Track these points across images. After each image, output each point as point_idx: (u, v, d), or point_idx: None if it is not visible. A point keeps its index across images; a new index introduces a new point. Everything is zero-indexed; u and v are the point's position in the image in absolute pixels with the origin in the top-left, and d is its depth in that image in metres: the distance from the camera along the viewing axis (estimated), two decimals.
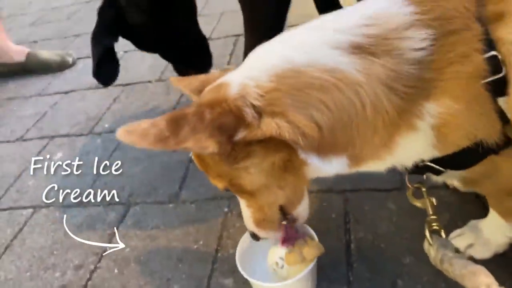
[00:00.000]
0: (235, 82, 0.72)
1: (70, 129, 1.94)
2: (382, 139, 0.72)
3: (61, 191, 1.56)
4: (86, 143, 1.82)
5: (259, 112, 0.68)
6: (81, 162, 1.69)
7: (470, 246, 1.01)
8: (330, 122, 0.69)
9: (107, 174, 1.59)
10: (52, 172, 1.67)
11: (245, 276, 0.95)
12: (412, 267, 1.01)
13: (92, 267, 1.23)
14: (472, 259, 0.97)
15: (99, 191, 1.52)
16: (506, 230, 0.95)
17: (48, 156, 1.78)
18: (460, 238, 1.02)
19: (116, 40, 1.57)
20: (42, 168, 1.71)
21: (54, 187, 1.59)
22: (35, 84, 2.46)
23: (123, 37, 1.60)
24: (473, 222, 1.04)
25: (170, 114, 0.66)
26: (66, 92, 2.29)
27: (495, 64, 0.64)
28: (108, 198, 1.48)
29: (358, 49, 0.67)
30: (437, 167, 0.80)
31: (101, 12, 1.52)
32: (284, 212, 0.90)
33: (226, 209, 1.31)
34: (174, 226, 1.30)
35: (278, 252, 0.96)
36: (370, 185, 1.26)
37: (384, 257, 1.06)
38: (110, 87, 2.16)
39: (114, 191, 1.49)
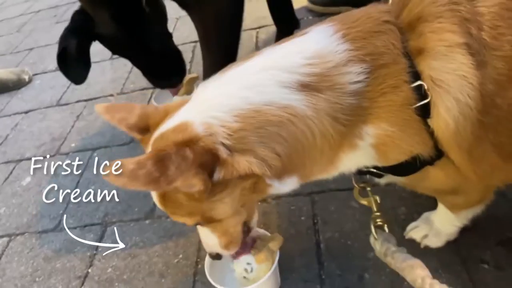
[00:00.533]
0: (197, 122, 0.75)
1: (36, 151, 1.93)
2: (328, 159, 0.81)
3: (35, 217, 1.57)
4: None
5: (231, 150, 0.73)
6: (51, 185, 1.70)
7: (425, 236, 1.12)
8: (287, 151, 0.76)
9: (80, 194, 1.61)
10: (23, 198, 1.68)
11: (214, 284, 1.04)
12: (376, 260, 1.10)
13: None
14: (428, 248, 1.11)
15: (73, 213, 1.54)
16: (454, 221, 1.07)
17: (16, 182, 1.77)
18: (416, 230, 1.14)
19: (89, 41, 1.56)
20: (12, 193, 1.71)
21: (27, 212, 1.60)
22: None
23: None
24: (425, 215, 1.16)
25: (153, 153, 0.68)
26: (26, 112, 2.27)
27: (421, 92, 0.74)
28: (84, 220, 1.51)
29: (305, 87, 0.74)
30: (379, 172, 0.90)
31: (73, 16, 1.54)
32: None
33: None
34: (153, 242, 1.35)
35: (242, 261, 1.05)
36: (334, 186, 1.35)
37: (351, 253, 1.16)
38: (71, 104, 2.18)
39: (88, 212, 1.53)
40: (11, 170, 1.86)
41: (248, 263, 1.06)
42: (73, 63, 1.55)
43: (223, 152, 0.72)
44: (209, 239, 0.94)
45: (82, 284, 1.29)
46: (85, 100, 2.21)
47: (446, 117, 0.74)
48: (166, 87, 1.84)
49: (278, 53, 0.80)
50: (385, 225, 0.98)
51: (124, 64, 2.34)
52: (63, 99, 2.28)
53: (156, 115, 0.84)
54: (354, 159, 0.83)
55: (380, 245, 0.95)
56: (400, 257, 0.90)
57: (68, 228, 1.49)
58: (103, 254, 1.36)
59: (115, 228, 1.45)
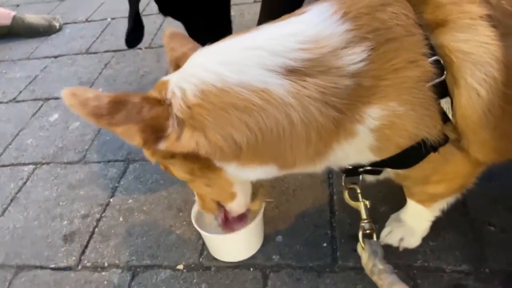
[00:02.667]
0: (171, 85, 0.74)
1: None
2: (316, 150, 0.75)
3: (61, 149, 1.64)
4: None
5: (181, 124, 0.72)
6: (78, 123, 1.77)
7: (401, 240, 1.08)
8: (252, 142, 0.72)
9: (105, 133, 1.68)
10: (50, 132, 1.75)
11: (197, 228, 1.09)
12: (387, 213, 1.16)
13: (97, 216, 1.35)
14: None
15: (98, 149, 1.61)
16: (426, 215, 1.04)
17: (44, 117, 1.84)
18: (390, 236, 1.09)
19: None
20: (39, 127, 1.78)
21: (53, 145, 1.67)
22: (22, 48, 2.47)
23: None
24: (394, 217, 1.12)
25: (116, 95, 0.69)
26: (55, 57, 2.33)
27: (439, 68, 0.70)
28: (107, 156, 1.57)
29: (292, 72, 0.69)
30: (377, 168, 0.87)
31: None
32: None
33: None
34: (173, 181, 1.41)
35: None
36: None
37: None
38: (100, 53, 2.24)
39: (112, 149, 1.59)
40: (39, 106, 1.92)
41: None
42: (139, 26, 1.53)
43: (170, 125, 0.71)
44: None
45: (104, 211, 1.36)
46: (114, 51, 2.26)
47: (471, 91, 0.71)
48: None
49: (271, 33, 0.75)
50: (374, 234, 0.96)
51: (153, 22, 2.39)
52: (92, 48, 2.34)
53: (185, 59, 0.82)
54: (348, 150, 0.78)
55: (367, 258, 0.93)
56: (387, 279, 0.89)
57: (92, 162, 1.56)
58: (126, 187, 1.43)
59: (137, 165, 1.51)
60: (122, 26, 2.45)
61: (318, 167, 0.83)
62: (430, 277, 1.02)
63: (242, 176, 0.81)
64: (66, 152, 1.63)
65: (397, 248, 1.08)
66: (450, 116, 0.74)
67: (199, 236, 1.20)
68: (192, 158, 0.77)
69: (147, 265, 1.17)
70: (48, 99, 1.97)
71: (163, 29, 2.36)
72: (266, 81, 0.69)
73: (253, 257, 1.13)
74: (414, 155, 0.80)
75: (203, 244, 1.19)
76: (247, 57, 0.72)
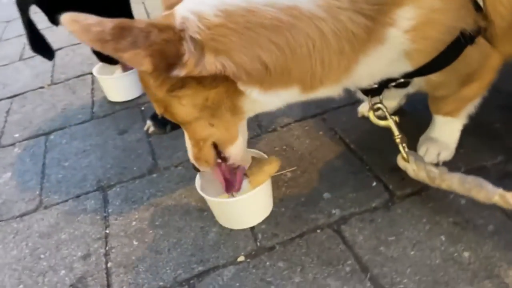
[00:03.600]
0: (179, 13, 0.70)
1: None
2: (348, 62, 0.74)
3: (3, 205, 1.30)
4: (3, 157, 1.54)
5: (200, 47, 0.67)
6: (9, 173, 1.43)
7: (438, 155, 1.10)
8: (281, 62, 0.70)
9: (54, 172, 1.39)
10: None
11: (200, 192, 1.03)
12: None
13: (102, 250, 1.09)
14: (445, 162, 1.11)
15: (55, 190, 1.32)
16: (456, 126, 1.08)
17: None
18: (428, 154, 1.10)
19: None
20: None
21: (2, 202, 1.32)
22: None
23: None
24: (424, 137, 1.14)
25: (119, 20, 0.65)
26: None
27: None
28: (73, 192, 1.30)
29: None
30: (408, 79, 0.86)
31: None
32: (217, 150, 0.93)
33: None
34: (173, 188, 1.24)
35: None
36: (336, 105, 1.43)
37: (382, 147, 1.22)
38: None
39: (74, 184, 1.32)
40: None
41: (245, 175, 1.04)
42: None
43: (186, 50, 0.67)
44: (187, 143, 0.92)
45: (107, 243, 1.11)
46: (9, 97, 1.92)
47: None
48: (109, 62, 1.66)
49: None
50: (405, 144, 0.94)
51: (41, 61, 2.10)
52: None
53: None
54: (381, 61, 0.76)
55: (417, 167, 0.92)
56: (454, 177, 0.88)
57: (56, 204, 1.27)
58: (118, 212, 1.19)
59: (117, 188, 1.28)
60: (8, 74, 2.12)
61: (341, 86, 0.82)
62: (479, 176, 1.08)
63: (263, 102, 0.77)
64: (12, 207, 1.29)
65: None
66: (480, 3, 0.76)
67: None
68: (209, 86, 0.74)
69: (202, 271, 0.98)
70: None
71: (60, 64, 2.10)
72: None
73: (313, 219, 1.05)
74: (453, 50, 0.80)
75: (253, 228, 1.05)
76: None
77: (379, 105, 0.94)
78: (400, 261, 0.91)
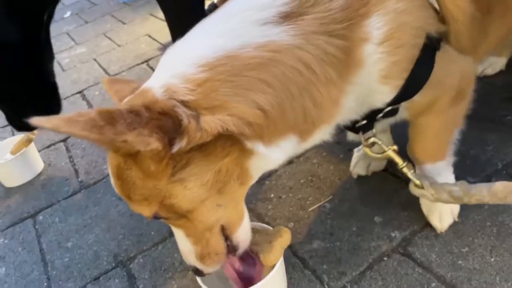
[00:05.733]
0: (156, 86, 0.66)
1: None
2: (338, 91, 0.71)
3: None
4: None
5: (195, 110, 0.62)
6: (3, 269, 1.23)
7: (451, 209, 0.99)
8: (276, 100, 0.66)
9: (56, 258, 1.22)
10: None
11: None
12: None
13: None
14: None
15: (65, 277, 1.15)
16: (448, 168, 0.98)
17: None
18: (444, 214, 0.99)
19: None
20: None
21: None
22: None
23: None
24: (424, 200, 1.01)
25: (100, 108, 0.58)
26: None
27: None
28: (88, 275, 1.14)
29: (287, 17, 0.66)
30: (394, 106, 0.81)
31: None
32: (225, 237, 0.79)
33: None
34: None
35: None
36: None
37: None
38: None
39: (86, 266, 1.16)
40: None
41: None
42: None
43: (183, 116, 0.61)
44: (183, 244, 0.77)
45: None
46: None
47: None
48: (27, 129, 1.54)
49: None
50: (413, 170, 0.87)
51: None
52: None
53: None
54: (363, 86, 0.73)
55: (435, 190, 0.84)
56: (483, 191, 0.81)
57: None
58: (152, 286, 1.05)
59: (140, 260, 1.14)
60: None
61: (333, 124, 0.77)
62: None
63: (269, 156, 0.70)
64: None
65: None
66: (435, 5, 0.74)
67: (303, 268, 0.98)
68: (221, 153, 0.67)
69: None
70: None
71: None
72: (266, 34, 0.66)
73: (375, 247, 0.98)
74: (425, 59, 0.76)
75: (315, 271, 0.97)
76: (237, 22, 0.68)
77: (372, 139, 0.87)
78: (485, 271, 0.87)
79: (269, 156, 0.70)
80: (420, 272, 0.91)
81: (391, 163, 1.14)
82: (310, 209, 1.14)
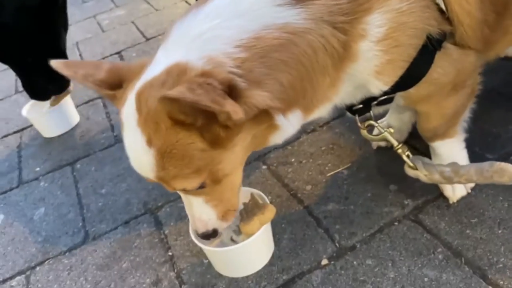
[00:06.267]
0: (194, 58, 0.67)
1: None
2: (331, 79, 0.74)
3: (45, 242, 1.23)
4: (29, 193, 1.45)
5: (246, 82, 0.66)
6: (42, 209, 1.35)
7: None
8: (290, 79, 0.70)
9: (93, 200, 1.32)
10: (8, 235, 1.29)
11: (199, 244, 0.93)
12: None
13: (173, 274, 1.04)
14: None
15: (100, 219, 1.26)
16: (459, 145, 1.00)
17: None
18: (456, 187, 1.00)
19: None
20: None
21: (30, 245, 1.24)
22: None
23: None
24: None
25: (189, 80, 0.63)
26: None
27: None
28: (124, 215, 1.24)
29: (298, 0, 0.68)
30: (390, 95, 0.83)
31: None
32: None
33: None
34: None
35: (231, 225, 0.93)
36: None
37: None
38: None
39: (121, 211, 1.26)
40: None
41: (237, 226, 0.97)
42: None
43: (241, 84, 0.65)
44: (204, 213, 0.82)
45: (174, 266, 1.05)
46: (17, 132, 1.83)
47: None
48: (47, 98, 1.66)
49: None
50: (408, 152, 0.91)
51: None
52: None
53: (130, 68, 0.77)
54: (358, 78, 0.76)
55: (427, 171, 0.88)
56: (470, 169, 0.85)
57: (105, 233, 1.21)
58: (177, 233, 1.14)
59: (167, 209, 1.23)
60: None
61: (329, 103, 0.80)
62: None
63: (287, 130, 0.76)
64: (56, 242, 1.22)
65: None
66: (442, 5, 0.74)
67: (317, 226, 1.04)
68: (258, 122, 0.71)
69: (287, 280, 0.95)
70: None
71: None
72: (283, 16, 0.68)
73: (387, 212, 1.03)
74: (424, 58, 0.76)
75: (328, 230, 1.03)
76: (252, 2, 0.69)
77: (370, 122, 0.92)
78: (491, 241, 0.91)
79: (285, 127, 0.75)
80: (428, 238, 0.95)
81: (412, 135, 1.19)
82: (329, 174, 1.19)
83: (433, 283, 0.86)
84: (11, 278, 1.14)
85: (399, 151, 0.90)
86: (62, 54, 1.59)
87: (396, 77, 0.77)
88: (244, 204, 0.97)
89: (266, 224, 0.93)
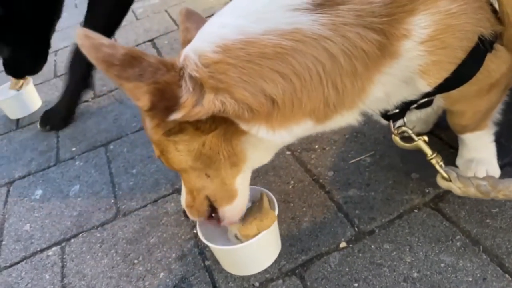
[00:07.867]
0: (183, 53, 0.70)
1: (28, 169, 1.61)
2: (362, 83, 0.69)
3: (79, 216, 1.31)
4: (66, 171, 1.54)
5: (199, 85, 0.65)
6: (77, 186, 1.43)
7: (488, 172, 1.01)
8: (289, 92, 0.66)
9: (125, 176, 1.39)
10: (44, 209, 1.38)
11: (205, 241, 0.94)
12: None
13: (196, 250, 1.09)
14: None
15: (133, 194, 1.33)
16: (488, 138, 1.00)
17: (25, 198, 1.45)
18: (480, 175, 1.00)
19: None
20: (26, 210, 1.39)
21: (65, 218, 1.32)
22: None
23: None
24: (462, 161, 1.05)
25: (132, 49, 0.65)
26: None
27: None
28: (150, 198, 1.30)
29: (321, 5, 0.64)
30: (430, 98, 0.80)
31: None
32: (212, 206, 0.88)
33: None
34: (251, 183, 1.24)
35: (234, 226, 0.94)
36: None
37: None
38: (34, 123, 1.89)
39: (151, 189, 1.33)
40: (6, 191, 1.51)
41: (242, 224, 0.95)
42: None
43: (183, 92, 0.65)
44: (182, 188, 0.87)
45: (197, 242, 1.10)
46: None
47: None
48: (22, 76, 1.88)
49: None
50: (441, 163, 0.87)
51: None
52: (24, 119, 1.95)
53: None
54: (396, 80, 0.71)
55: (462, 183, 0.85)
56: (509, 186, 0.82)
57: (135, 210, 1.27)
58: None
59: None
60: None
61: (358, 112, 0.76)
62: None
63: (272, 141, 0.72)
64: (89, 217, 1.30)
65: None
66: (496, 6, 0.70)
67: (337, 211, 1.07)
68: (208, 128, 0.72)
69: (306, 260, 0.98)
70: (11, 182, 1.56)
71: (99, 78, 2.11)
72: (294, 21, 0.64)
73: (408, 200, 1.05)
74: (474, 60, 0.73)
75: (348, 215, 1.05)
76: (267, 4, 0.66)
77: (403, 128, 0.89)
78: (511, 231, 0.91)
79: (273, 140, 0.71)
80: (447, 225, 0.96)
81: (437, 124, 1.19)
82: (351, 161, 1.21)
83: (449, 268, 0.88)
84: (48, 248, 1.22)
85: (433, 161, 0.87)
86: (47, 42, 1.74)
87: (441, 78, 0.74)
88: (253, 203, 0.97)
89: (263, 230, 0.91)
